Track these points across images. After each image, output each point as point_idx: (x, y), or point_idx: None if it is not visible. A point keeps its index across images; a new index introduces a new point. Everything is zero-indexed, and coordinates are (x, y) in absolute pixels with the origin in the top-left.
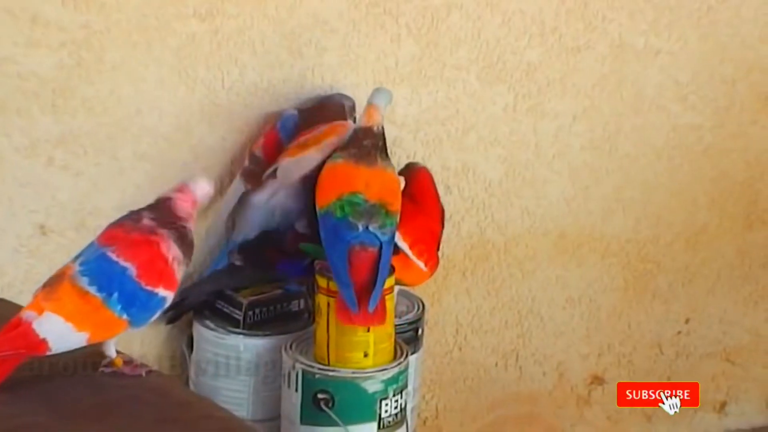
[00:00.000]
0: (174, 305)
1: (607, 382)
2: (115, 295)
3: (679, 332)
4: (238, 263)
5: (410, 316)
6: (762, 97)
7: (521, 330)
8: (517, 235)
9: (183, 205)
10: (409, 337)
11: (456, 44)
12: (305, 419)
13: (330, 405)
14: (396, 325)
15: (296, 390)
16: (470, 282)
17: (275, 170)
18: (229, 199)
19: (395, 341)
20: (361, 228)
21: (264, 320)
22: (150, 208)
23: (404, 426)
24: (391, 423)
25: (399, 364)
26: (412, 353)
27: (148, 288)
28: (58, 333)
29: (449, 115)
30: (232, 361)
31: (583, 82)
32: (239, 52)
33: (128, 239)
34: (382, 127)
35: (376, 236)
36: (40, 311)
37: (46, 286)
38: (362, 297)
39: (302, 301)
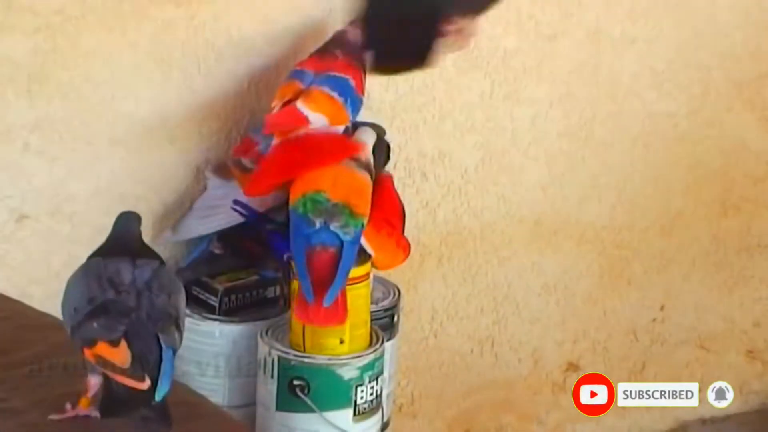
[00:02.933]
0: None
1: (582, 369)
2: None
3: (654, 319)
4: (217, 251)
5: (386, 303)
6: (737, 85)
7: (497, 316)
8: (493, 222)
9: None
10: (385, 324)
11: None
12: (281, 406)
13: (306, 392)
14: (372, 312)
15: (272, 377)
16: (446, 268)
17: None
18: (208, 194)
19: (371, 328)
20: (318, 225)
21: (240, 307)
22: None
23: (379, 412)
24: (367, 409)
25: (374, 350)
26: (388, 340)
27: None
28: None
29: (425, 102)
30: (207, 348)
31: (559, 70)
32: (215, 38)
33: None
34: (370, 161)
35: (336, 235)
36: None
37: None
38: (319, 292)
39: (278, 288)
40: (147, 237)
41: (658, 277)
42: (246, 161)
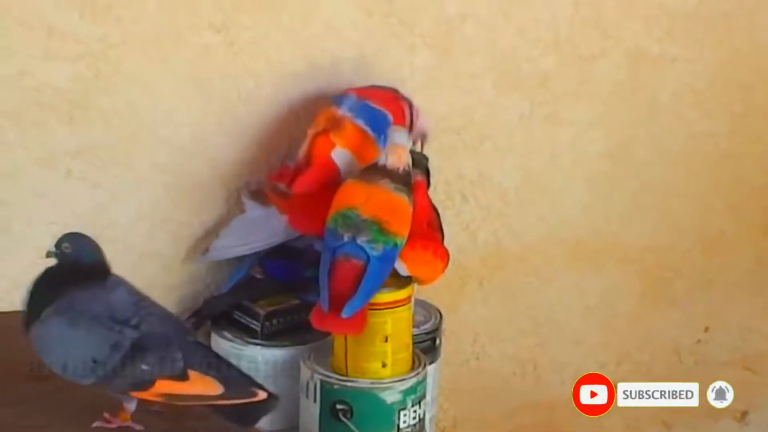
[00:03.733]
0: (192, 315)
1: None
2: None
3: (699, 340)
4: (258, 276)
5: (427, 326)
6: None
7: (539, 338)
8: (534, 243)
9: None
10: (427, 347)
11: (471, 53)
12: (324, 430)
13: (349, 416)
14: (413, 335)
15: (315, 401)
16: (487, 291)
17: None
18: (244, 216)
19: (413, 351)
20: (346, 238)
21: (282, 331)
22: None
23: None
24: None
25: (417, 374)
26: (430, 363)
27: None
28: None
29: (464, 124)
30: (250, 372)
31: (598, 90)
32: (254, 63)
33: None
34: (409, 167)
35: (363, 249)
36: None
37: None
38: (337, 303)
39: None
40: (188, 262)
41: (702, 297)
42: (281, 186)
